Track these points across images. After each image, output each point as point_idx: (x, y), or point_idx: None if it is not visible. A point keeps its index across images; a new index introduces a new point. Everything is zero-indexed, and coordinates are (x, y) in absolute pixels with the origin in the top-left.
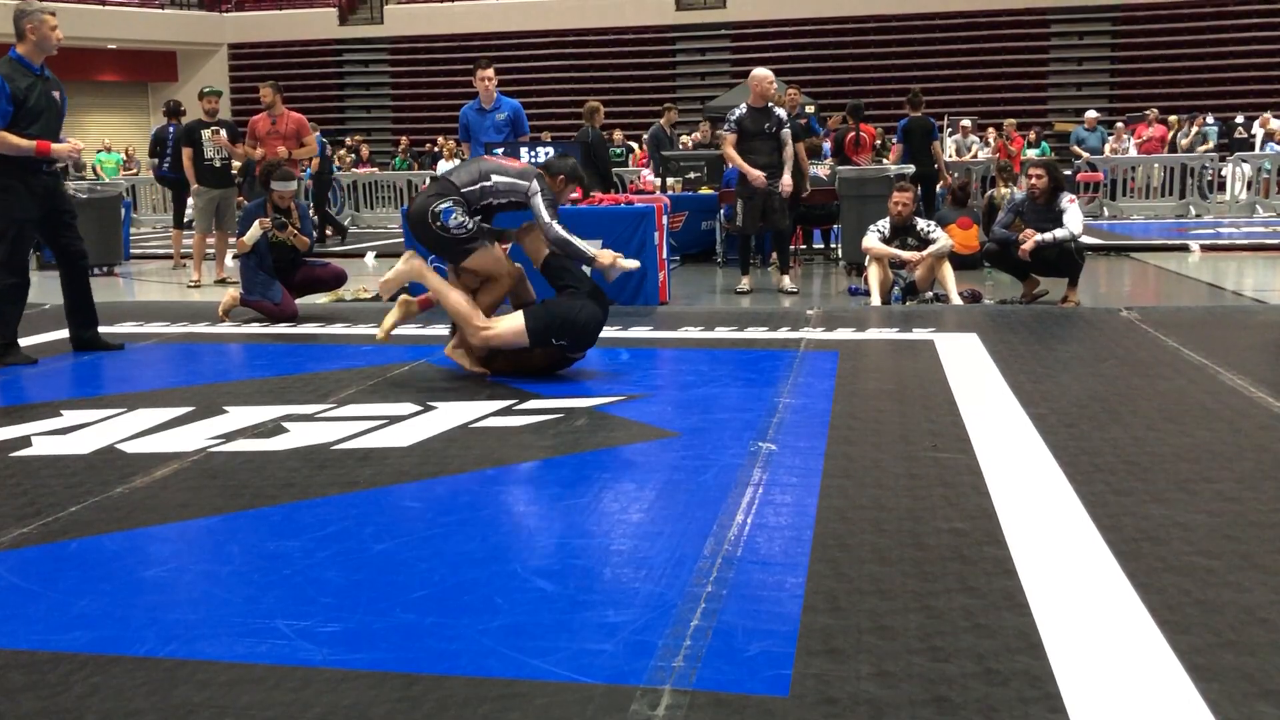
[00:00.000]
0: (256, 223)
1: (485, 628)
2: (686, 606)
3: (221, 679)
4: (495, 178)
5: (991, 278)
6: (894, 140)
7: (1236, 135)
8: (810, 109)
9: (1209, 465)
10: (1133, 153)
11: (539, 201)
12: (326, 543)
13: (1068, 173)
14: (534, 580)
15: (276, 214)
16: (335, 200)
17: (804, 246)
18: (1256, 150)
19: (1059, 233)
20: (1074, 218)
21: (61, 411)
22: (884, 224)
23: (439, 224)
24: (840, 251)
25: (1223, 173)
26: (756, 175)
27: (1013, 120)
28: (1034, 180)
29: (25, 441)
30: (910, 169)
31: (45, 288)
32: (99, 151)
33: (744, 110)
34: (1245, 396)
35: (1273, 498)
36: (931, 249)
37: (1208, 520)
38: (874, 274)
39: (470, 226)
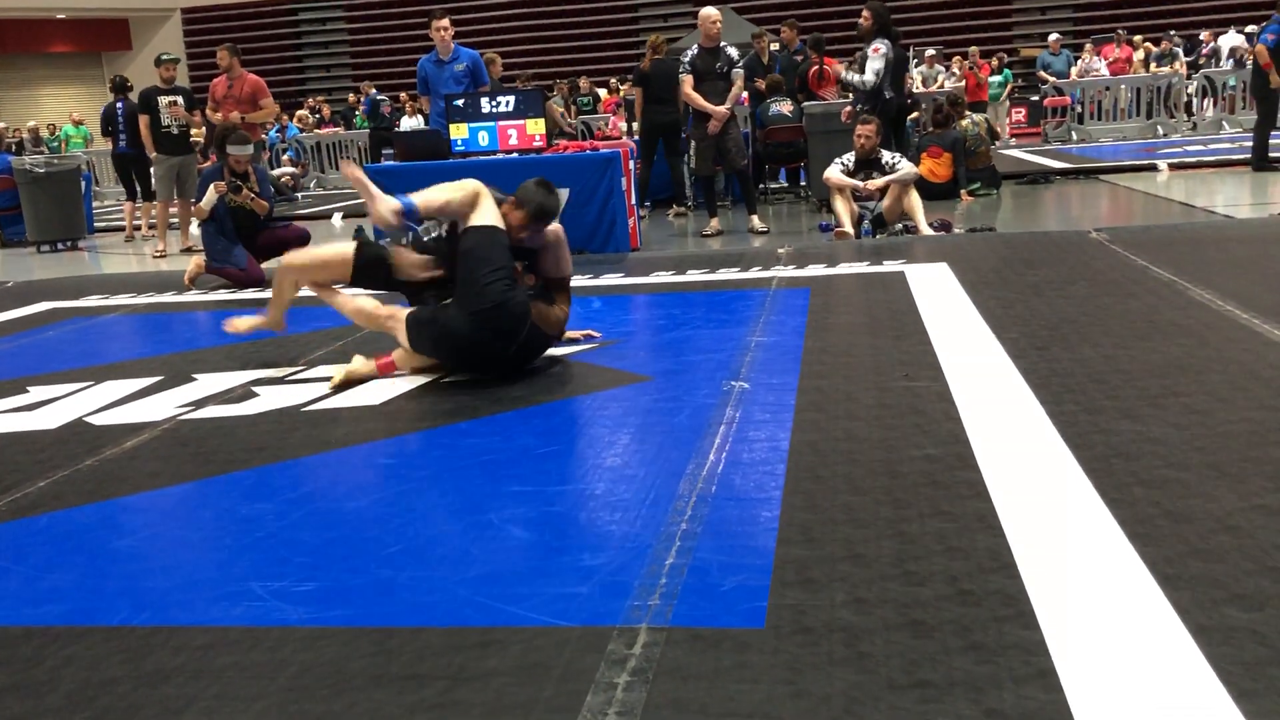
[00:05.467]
0: (211, 187)
1: (461, 578)
2: (662, 546)
3: (196, 643)
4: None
5: (964, 207)
6: None
7: (1200, 54)
8: (774, 45)
9: (1178, 379)
10: (1104, 74)
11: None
12: (300, 504)
13: (1034, 98)
14: (509, 529)
15: (233, 178)
16: (298, 160)
17: (772, 185)
18: (1220, 66)
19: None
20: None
21: (28, 388)
22: (848, 157)
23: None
24: (809, 189)
25: (1189, 90)
26: (721, 112)
27: (977, 48)
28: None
29: None
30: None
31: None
32: (66, 125)
33: (695, 51)
34: (1214, 310)
35: (1241, 408)
36: (893, 176)
37: (1177, 433)
38: (840, 204)
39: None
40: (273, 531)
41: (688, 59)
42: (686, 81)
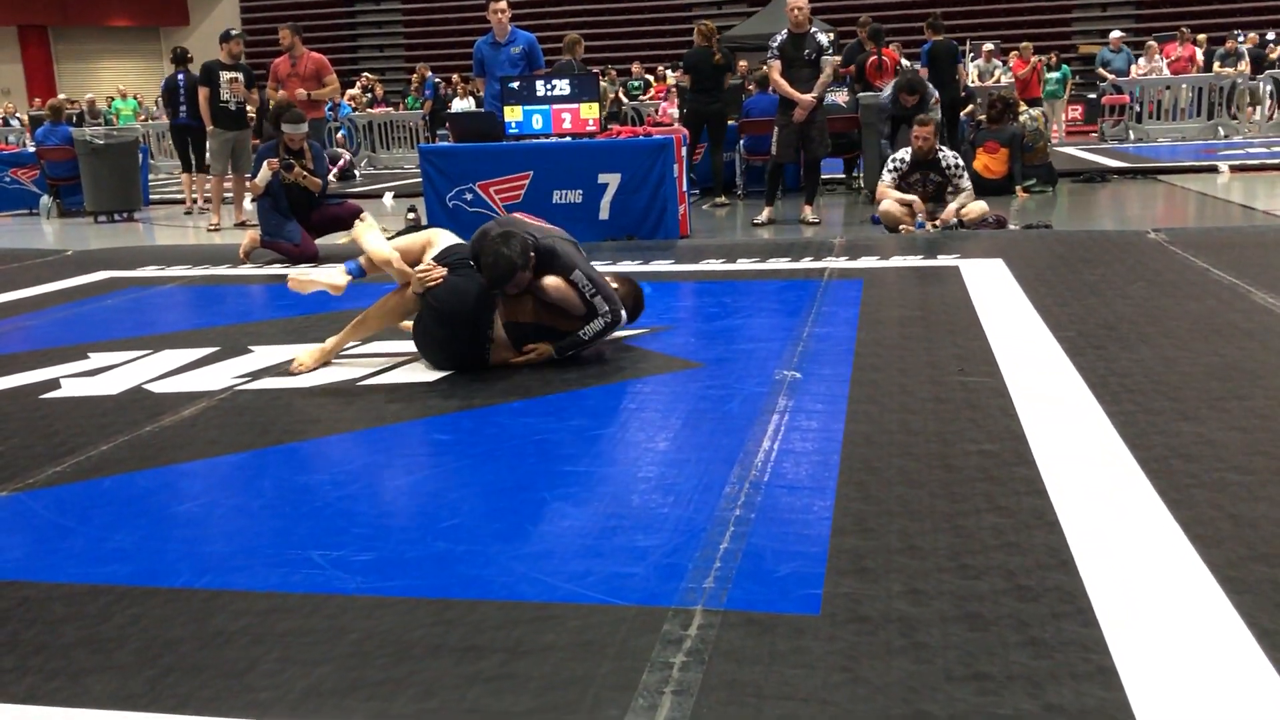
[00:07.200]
0: (265, 164)
1: (516, 554)
2: (715, 530)
3: (258, 608)
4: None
5: (1020, 203)
6: (919, 65)
7: (1267, 53)
8: (830, 35)
9: (1240, 383)
10: (1165, 73)
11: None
12: (356, 475)
13: (1092, 96)
14: (563, 507)
15: (287, 155)
16: (351, 141)
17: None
18: None
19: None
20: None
21: (89, 354)
22: (904, 155)
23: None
24: (863, 180)
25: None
26: (808, 100)
27: (1029, 44)
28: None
29: (54, 384)
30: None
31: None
32: (114, 98)
33: (784, 37)
34: (1277, 314)
35: None
36: (956, 203)
37: (1240, 437)
38: (890, 205)
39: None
40: (330, 502)
41: (776, 44)
42: (774, 67)
